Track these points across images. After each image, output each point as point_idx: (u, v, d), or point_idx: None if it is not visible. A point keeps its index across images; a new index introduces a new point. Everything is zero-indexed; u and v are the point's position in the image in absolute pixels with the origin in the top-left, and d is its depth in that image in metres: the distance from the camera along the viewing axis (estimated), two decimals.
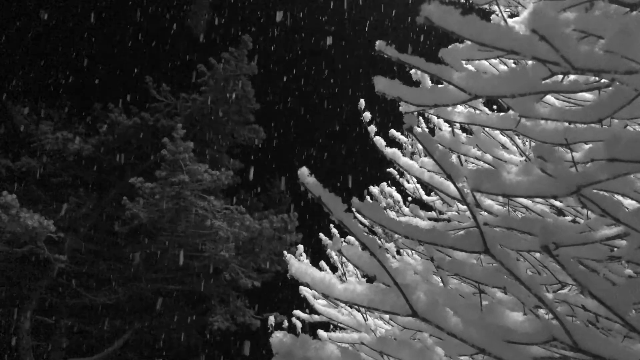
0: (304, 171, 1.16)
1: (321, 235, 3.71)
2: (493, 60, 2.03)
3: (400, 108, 1.61)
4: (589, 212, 1.76)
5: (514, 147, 2.21)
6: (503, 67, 2.06)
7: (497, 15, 2.00)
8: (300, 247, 3.72)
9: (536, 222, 1.47)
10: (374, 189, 3.50)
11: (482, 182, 1.21)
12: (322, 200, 1.14)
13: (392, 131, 2.99)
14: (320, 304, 3.05)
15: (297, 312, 3.58)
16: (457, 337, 1.17)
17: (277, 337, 1.16)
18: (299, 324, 3.45)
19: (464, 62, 1.82)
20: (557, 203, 2.14)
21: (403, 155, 2.11)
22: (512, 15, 2.08)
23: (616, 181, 1.13)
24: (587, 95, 1.91)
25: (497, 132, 2.20)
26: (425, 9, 0.98)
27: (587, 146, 1.61)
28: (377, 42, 1.30)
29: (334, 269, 3.65)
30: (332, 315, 2.77)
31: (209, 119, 16.76)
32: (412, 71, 1.92)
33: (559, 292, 1.98)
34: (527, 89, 1.15)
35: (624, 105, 1.13)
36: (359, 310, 2.74)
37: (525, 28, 0.93)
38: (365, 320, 2.66)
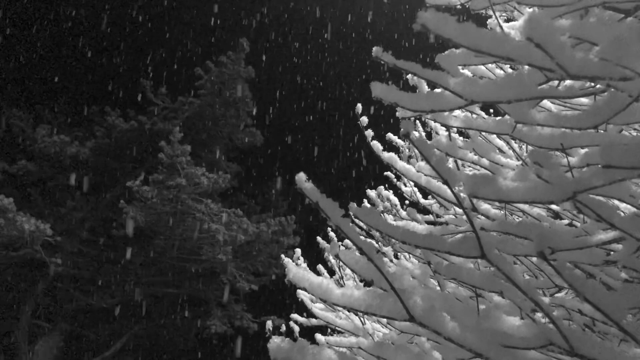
0: (301, 176, 1.17)
1: (319, 239, 3.71)
2: (490, 65, 2.04)
3: (397, 113, 1.61)
4: (585, 216, 1.76)
5: (511, 151, 2.22)
6: (500, 72, 2.07)
7: (493, 20, 2.01)
8: (298, 250, 3.72)
9: (533, 227, 1.48)
10: (372, 193, 3.50)
11: (479, 188, 1.21)
12: (320, 205, 1.14)
13: (390, 135, 2.99)
14: (317, 307, 3.05)
15: (295, 315, 3.57)
16: (454, 341, 1.18)
17: (275, 342, 1.16)
18: (296, 328, 3.45)
19: (460, 67, 1.83)
20: (554, 206, 2.14)
21: (400, 159, 2.12)
22: (508, 20, 2.09)
23: (611, 186, 1.13)
24: (583, 100, 1.92)
25: (494, 136, 2.21)
26: (422, 16, 0.99)
27: (583, 151, 1.62)
28: (374, 48, 1.31)
29: (331, 272, 3.66)
30: (330, 319, 2.77)
31: (206, 122, 16.76)
32: (409, 76, 1.93)
33: (556, 295, 1.99)
34: (522, 95, 1.16)
35: (619, 112, 1.14)
36: (356, 314, 2.74)
37: (521, 35, 0.93)
38: (362, 324, 2.66)
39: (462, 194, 1.34)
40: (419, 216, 3.05)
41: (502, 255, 1.23)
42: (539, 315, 1.59)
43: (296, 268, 1.28)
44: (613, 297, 1.04)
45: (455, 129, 2.28)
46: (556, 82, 1.57)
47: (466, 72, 2.03)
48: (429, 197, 3.16)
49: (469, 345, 1.18)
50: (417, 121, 3.00)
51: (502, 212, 2.03)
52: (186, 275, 15.63)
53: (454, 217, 2.74)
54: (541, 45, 0.90)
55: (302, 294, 3.17)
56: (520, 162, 2.10)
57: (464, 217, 2.58)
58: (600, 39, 1.04)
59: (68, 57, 20.01)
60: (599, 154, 1.02)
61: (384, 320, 2.66)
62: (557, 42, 0.92)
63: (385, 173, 3.55)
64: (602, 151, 1.01)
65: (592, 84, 1.40)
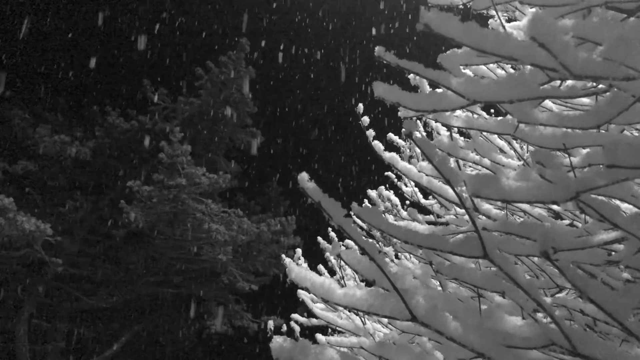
0: (304, 176, 1.17)
1: (319, 239, 3.72)
2: (491, 65, 2.04)
3: (399, 113, 1.61)
4: (587, 216, 1.76)
5: (512, 151, 2.22)
6: (501, 72, 2.07)
7: (496, 20, 2.01)
8: (299, 250, 3.72)
9: (535, 227, 1.48)
10: (372, 193, 3.50)
11: (481, 187, 1.21)
12: (322, 205, 1.14)
13: (390, 135, 2.99)
14: (318, 307, 3.05)
15: (296, 315, 3.57)
16: (456, 341, 1.17)
17: (277, 342, 1.16)
18: (297, 328, 3.45)
19: (462, 67, 1.83)
20: (555, 207, 2.14)
21: (401, 159, 2.12)
22: (509, 20, 2.09)
23: (614, 186, 1.13)
24: (585, 100, 1.92)
25: (495, 136, 2.21)
26: (425, 16, 0.99)
27: (584, 151, 1.62)
28: (377, 48, 1.31)
29: (332, 272, 3.66)
30: (331, 319, 2.77)
31: (206, 122, 16.75)
32: (411, 76, 1.93)
33: (557, 295, 1.99)
34: (525, 95, 1.16)
35: (621, 112, 1.14)
36: (357, 314, 2.74)
37: (524, 35, 0.93)
38: (363, 324, 2.66)
39: (464, 194, 1.34)
40: (420, 216, 3.05)
41: (504, 255, 1.23)
42: (540, 315, 1.59)
43: (298, 268, 1.28)
44: (616, 296, 1.04)
45: (456, 129, 2.28)
46: (558, 82, 1.57)
47: (468, 72, 2.02)
48: (430, 197, 3.16)
49: (472, 345, 1.18)
50: (418, 121, 3.00)
51: (503, 212, 2.03)
52: (186, 275, 15.62)
53: (454, 217, 2.74)
54: (545, 45, 0.90)
55: (302, 294, 3.17)
56: (521, 162, 2.10)
57: (465, 217, 2.58)
58: (604, 38, 1.04)
59: (68, 56, 20.00)
60: (602, 153, 1.02)
61: (385, 321, 2.66)
62: (561, 42, 0.92)
63: (386, 173, 3.56)
64: (606, 151, 1.01)
65: (594, 84, 1.40)
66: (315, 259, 3.88)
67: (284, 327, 3.33)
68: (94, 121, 16.48)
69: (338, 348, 2.38)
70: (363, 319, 2.68)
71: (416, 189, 3.28)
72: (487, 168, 2.11)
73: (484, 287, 1.47)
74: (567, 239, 1.34)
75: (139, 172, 15.50)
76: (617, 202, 1.73)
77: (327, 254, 3.57)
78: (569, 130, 1.40)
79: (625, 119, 1.27)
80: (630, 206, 1.67)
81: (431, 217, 3.04)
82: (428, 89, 2.10)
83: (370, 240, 3.02)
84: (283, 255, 3.82)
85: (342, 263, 3.21)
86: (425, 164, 2.03)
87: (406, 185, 3.39)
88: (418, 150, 2.98)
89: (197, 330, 16.52)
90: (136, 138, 15.85)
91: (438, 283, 2.33)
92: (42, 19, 18.54)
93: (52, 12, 18.83)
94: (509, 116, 1.51)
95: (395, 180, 3.52)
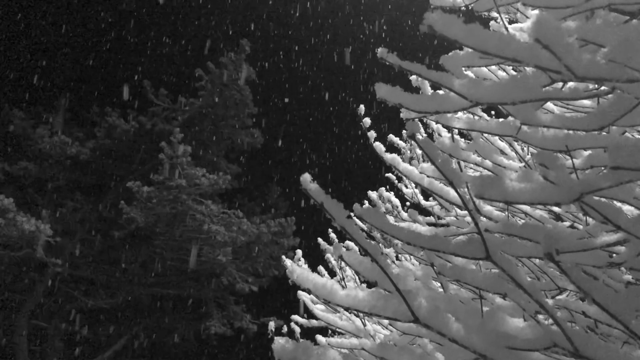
0: (306, 177, 1.17)
1: (320, 240, 3.71)
2: (492, 67, 2.04)
3: (402, 115, 1.61)
4: (588, 218, 1.76)
5: (513, 153, 2.22)
6: (502, 74, 2.07)
7: (497, 22, 2.02)
8: (299, 252, 3.71)
9: (537, 229, 1.48)
10: (373, 194, 3.50)
11: (485, 189, 1.21)
12: (325, 206, 1.14)
13: (391, 136, 2.99)
14: (319, 308, 3.05)
15: (296, 317, 3.57)
16: (458, 343, 1.17)
17: (279, 343, 1.16)
18: (297, 329, 3.44)
19: (463, 68, 1.82)
20: (556, 209, 2.14)
21: (402, 161, 2.12)
22: (510, 22, 2.09)
23: (617, 188, 1.13)
24: (586, 102, 1.92)
25: (496, 138, 2.21)
26: (429, 18, 0.99)
27: (586, 153, 1.62)
28: (379, 50, 1.31)
29: (331, 273, 3.65)
30: (331, 320, 2.77)
31: (206, 123, 16.76)
32: (413, 77, 1.93)
33: (558, 297, 1.99)
34: (528, 97, 1.16)
35: (625, 113, 1.14)
36: (357, 316, 2.74)
37: (529, 37, 0.93)
38: (364, 326, 2.66)
39: (466, 196, 1.34)
40: (420, 218, 3.05)
41: (506, 257, 1.23)
42: (541, 317, 1.59)
43: (300, 269, 1.28)
44: (621, 298, 1.04)
45: (456, 131, 2.28)
46: (560, 84, 1.57)
47: (469, 73, 2.02)
48: (430, 198, 3.16)
49: (474, 346, 1.18)
50: (419, 123, 2.99)
51: (504, 213, 2.03)
52: (185, 276, 15.62)
53: (455, 219, 2.74)
54: (549, 47, 0.90)
55: (303, 295, 3.16)
56: (522, 164, 2.10)
57: (466, 218, 2.58)
58: (608, 40, 1.04)
59: (69, 57, 20.01)
60: (607, 155, 1.02)
61: (385, 322, 2.66)
62: (565, 44, 0.92)
63: (387, 174, 3.55)
64: (610, 152, 1.01)
65: (597, 86, 1.40)
66: (314, 259, 3.87)
67: (285, 329, 3.33)
68: (94, 121, 16.48)
69: (339, 349, 2.38)
70: (363, 321, 2.68)
71: (417, 191, 3.27)
72: (488, 170, 2.11)
73: (486, 288, 1.47)
74: (570, 240, 1.34)
75: (139, 172, 15.50)
76: (619, 204, 1.73)
77: (327, 255, 3.56)
78: (571, 132, 1.40)
79: (628, 121, 1.27)
80: (632, 208, 1.67)
81: (431, 219, 3.04)
82: (429, 90, 2.10)
83: (372, 242, 3.01)
84: (284, 257, 3.82)
85: (343, 264, 3.21)
86: (426, 165, 2.03)
87: (406, 187, 3.39)
88: (419, 152, 2.98)
89: (196, 331, 16.51)
90: (136, 139, 15.85)
91: (439, 285, 2.33)
92: (43, 19, 18.55)
93: (52, 12, 18.83)
94: (510, 118, 1.51)
95: (396, 181, 3.51)
